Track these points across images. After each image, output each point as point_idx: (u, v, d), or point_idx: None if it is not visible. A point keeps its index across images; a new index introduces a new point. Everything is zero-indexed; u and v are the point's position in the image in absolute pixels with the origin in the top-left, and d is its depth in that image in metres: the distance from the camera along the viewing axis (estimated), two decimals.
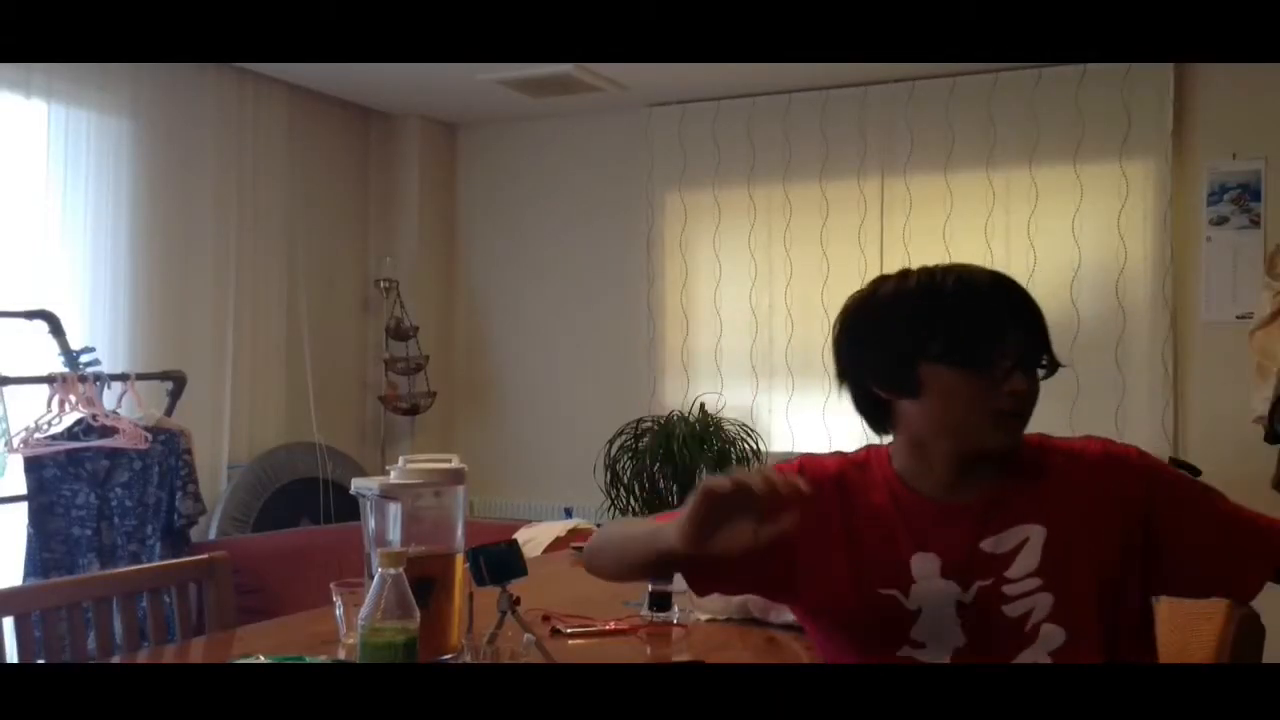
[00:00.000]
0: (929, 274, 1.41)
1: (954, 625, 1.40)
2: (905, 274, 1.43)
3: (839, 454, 1.53)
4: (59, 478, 3.20)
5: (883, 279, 1.45)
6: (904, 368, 1.38)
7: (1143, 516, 1.37)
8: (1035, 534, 1.39)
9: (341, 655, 1.72)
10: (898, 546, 1.43)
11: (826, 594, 1.46)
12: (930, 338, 1.36)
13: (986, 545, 1.39)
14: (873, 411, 1.45)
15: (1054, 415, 1.47)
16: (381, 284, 4.97)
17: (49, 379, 3.18)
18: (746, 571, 1.45)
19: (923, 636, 1.41)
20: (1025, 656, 1.38)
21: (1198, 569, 1.40)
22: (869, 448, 1.51)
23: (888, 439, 1.49)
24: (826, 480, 1.47)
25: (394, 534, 1.72)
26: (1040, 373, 1.38)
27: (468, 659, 1.58)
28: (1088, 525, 1.36)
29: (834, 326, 1.47)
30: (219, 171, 4.29)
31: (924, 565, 1.41)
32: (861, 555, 1.44)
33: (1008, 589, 1.38)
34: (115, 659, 1.91)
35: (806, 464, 1.50)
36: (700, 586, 1.53)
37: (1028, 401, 1.37)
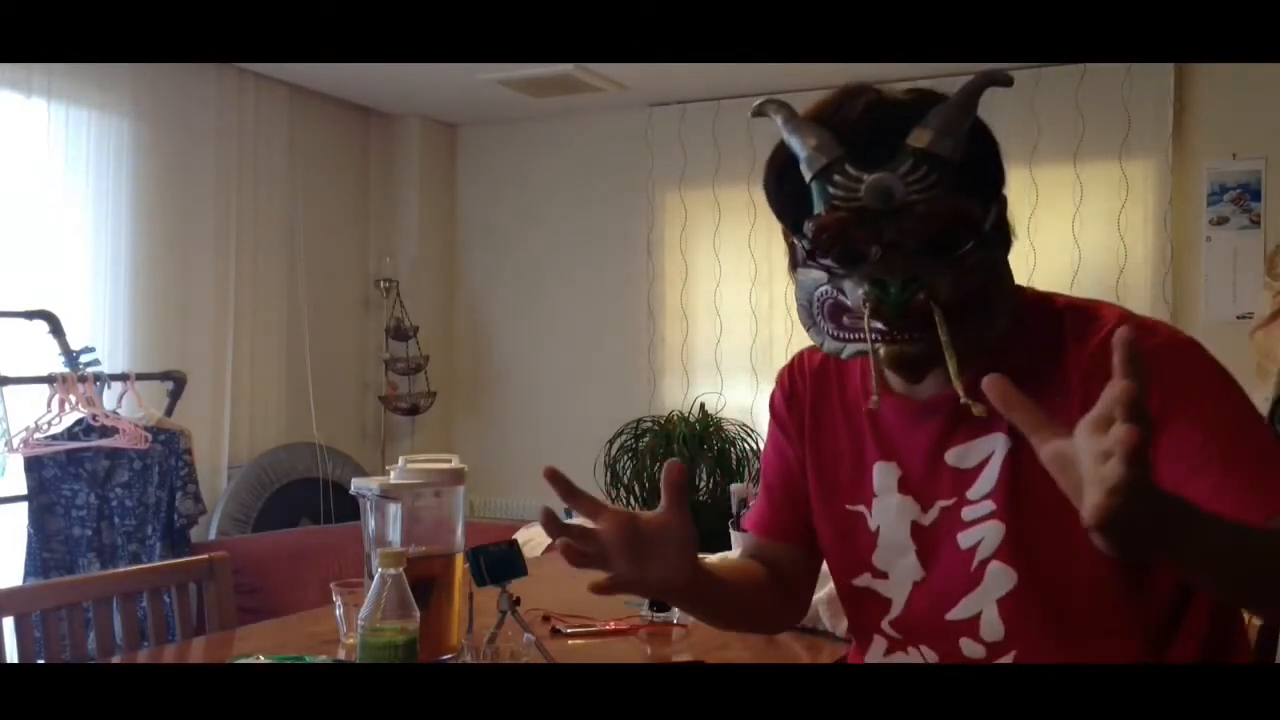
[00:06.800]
0: None
1: (909, 553, 1.16)
2: None
3: None
4: (59, 478, 3.20)
5: None
6: None
7: None
8: (1000, 445, 1.10)
9: (341, 655, 1.72)
10: (863, 453, 1.20)
11: (806, 513, 1.28)
12: None
13: (951, 456, 1.13)
14: None
15: None
16: (381, 284, 4.97)
17: (49, 379, 3.18)
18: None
19: (883, 564, 1.19)
20: (970, 604, 1.13)
21: None
22: None
23: None
24: (809, 375, 1.27)
25: (394, 534, 1.72)
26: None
27: (468, 659, 1.58)
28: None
29: None
30: (219, 171, 4.29)
31: (884, 477, 1.18)
32: (832, 467, 1.23)
33: (966, 512, 1.12)
34: (115, 659, 1.91)
35: (794, 361, 1.32)
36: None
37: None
